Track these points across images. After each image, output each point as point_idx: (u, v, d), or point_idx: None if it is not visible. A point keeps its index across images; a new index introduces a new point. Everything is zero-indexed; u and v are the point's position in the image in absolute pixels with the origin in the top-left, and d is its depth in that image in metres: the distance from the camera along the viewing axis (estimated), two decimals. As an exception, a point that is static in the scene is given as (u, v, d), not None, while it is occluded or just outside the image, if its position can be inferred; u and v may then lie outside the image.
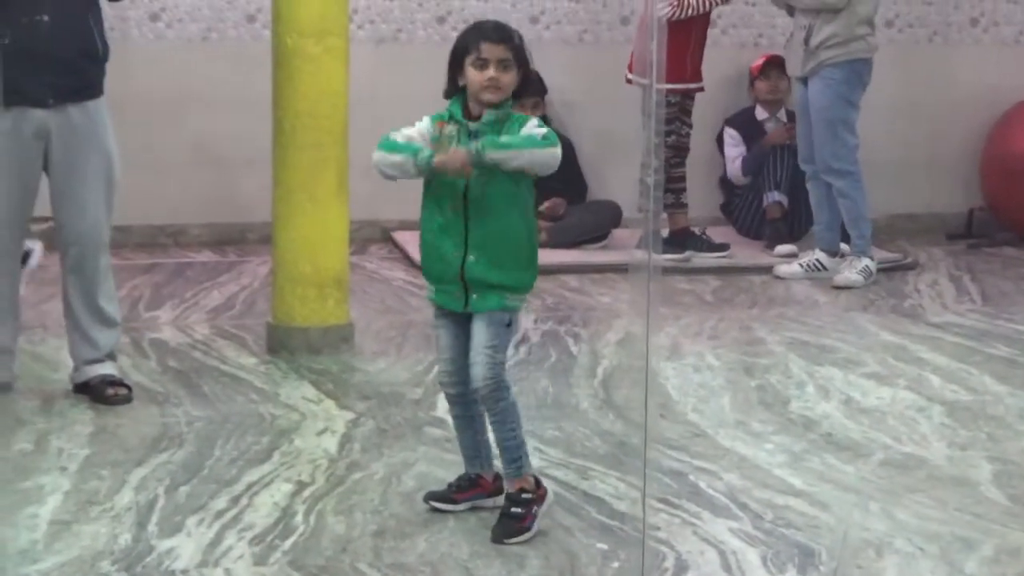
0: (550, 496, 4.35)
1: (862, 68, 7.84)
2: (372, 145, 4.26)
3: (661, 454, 4.91)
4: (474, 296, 4.21)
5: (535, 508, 4.25)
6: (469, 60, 4.18)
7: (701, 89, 8.24)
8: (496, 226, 4.18)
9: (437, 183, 4.21)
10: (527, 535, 4.19)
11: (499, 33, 4.20)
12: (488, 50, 4.16)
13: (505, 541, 4.16)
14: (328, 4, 6.13)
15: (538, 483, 4.33)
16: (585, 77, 9.04)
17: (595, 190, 8.96)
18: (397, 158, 4.18)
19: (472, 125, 4.20)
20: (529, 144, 4.13)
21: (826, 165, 7.88)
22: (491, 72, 4.15)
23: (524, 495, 4.25)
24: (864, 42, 7.82)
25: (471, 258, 4.18)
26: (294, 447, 5.01)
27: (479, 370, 4.20)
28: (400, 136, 4.22)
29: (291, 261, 6.21)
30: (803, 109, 7.99)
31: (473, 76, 4.17)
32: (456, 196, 4.18)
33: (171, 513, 4.36)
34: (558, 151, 4.16)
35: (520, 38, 4.24)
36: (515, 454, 4.28)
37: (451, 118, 4.23)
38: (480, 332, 4.21)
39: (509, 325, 4.25)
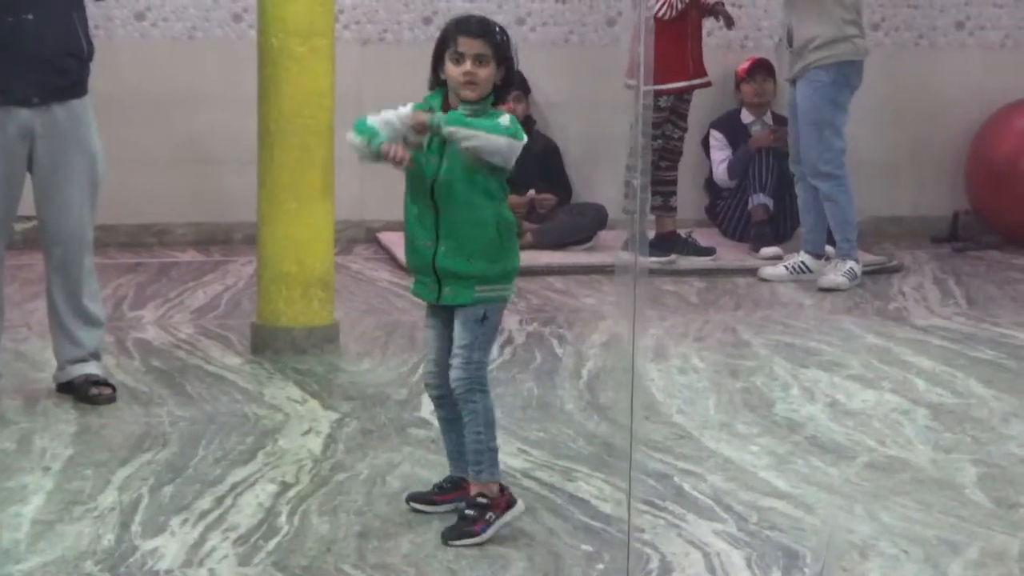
0: (519, 507, 4.27)
1: (850, 70, 7.80)
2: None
3: (646, 456, 4.90)
4: (446, 289, 4.19)
5: (490, 515, 4.17)
6: (448, 53, 4.14)
7: (707, 84, 8.21)
8: (464, 217, 4.14)
9: (411, 174, 4.20)
10: (475, 540, 4.13)
11: (478, 28, 4.14)
12: (465, 44, 4.11)
13: (450, 543, 4.12)
14: (314, 4, 6.13)
15: (502, 490, 4.26)
16: (571, 79, 9.04)
17: (581, 192, 8.95)
18: (357, 140, 4.15)
19: None
20: (489, 128, 4.06)
21: (812, 168, 7.86)
22: (467, 67, 4.11)
23: (480, 499, 4.20)
24: (851, 43, 7.77)
25: (442, 248, 4.17)
26: (278, 447, 5.00)
27: (453, 370, 4.20)
28: (377, 119, 4.15)
29: (276, 261, 6.20)
30: (793, 111, 7.98)
31: (450, 70, 4.13)
32: (425, 186, 4.17)
33: (155, 513, 4.35)
34: (516, 144, 4.08)
35: (503, 34, 4.18)
36: (478, 458, 4.23)
37: (430, 110, 4.18)
38: (456, 331, 4.21)
39: (483, 320, 4.20)
